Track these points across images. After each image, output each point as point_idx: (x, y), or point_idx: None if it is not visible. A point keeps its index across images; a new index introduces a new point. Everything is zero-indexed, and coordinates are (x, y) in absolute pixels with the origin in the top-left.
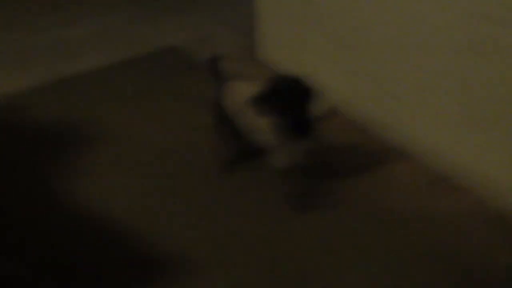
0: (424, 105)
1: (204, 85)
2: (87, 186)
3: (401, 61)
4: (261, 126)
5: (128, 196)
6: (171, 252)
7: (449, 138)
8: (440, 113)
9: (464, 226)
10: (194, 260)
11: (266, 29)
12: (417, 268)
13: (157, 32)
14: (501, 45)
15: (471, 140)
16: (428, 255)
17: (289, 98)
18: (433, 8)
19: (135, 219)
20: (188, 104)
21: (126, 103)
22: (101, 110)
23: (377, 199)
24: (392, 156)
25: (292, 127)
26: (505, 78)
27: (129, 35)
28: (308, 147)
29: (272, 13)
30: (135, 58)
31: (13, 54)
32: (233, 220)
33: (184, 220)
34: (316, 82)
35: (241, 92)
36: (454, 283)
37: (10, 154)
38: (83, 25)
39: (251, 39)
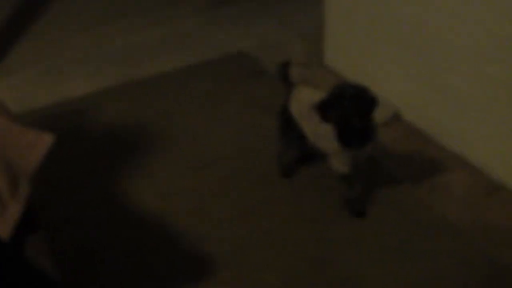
0: (486, 113)
1: (270, 91)
2: (149, 188)
3: (468, 70)
4: (324, 132)
5: (189, 199)
6: (229, 251)
7: (509, 146)
8: (503, 122)
9: None
10: (250, 259)
11: (334, 35)
12: (463, 277)
13: (227, 37)
14: None
15: None
16: (480, 267)
17: (352, 106)
18: (503, 18)
19: (194, 221)
20: (253, 109)
21: (193, 106)
22: (169, 114)
23: (433, 207)
24: (451, 164)
25: (353, 135)
26: None
27: (198, 41)
28: (368, 154)
29: (340, 20)
30: (203, 63)
31: (80, 61)
32: (289, 223)
33: (242, 222)
34: (381, 88)
35: (307, 98)
36: None
37: (78, 156)
38: (152, 31)
39: (319, 46)
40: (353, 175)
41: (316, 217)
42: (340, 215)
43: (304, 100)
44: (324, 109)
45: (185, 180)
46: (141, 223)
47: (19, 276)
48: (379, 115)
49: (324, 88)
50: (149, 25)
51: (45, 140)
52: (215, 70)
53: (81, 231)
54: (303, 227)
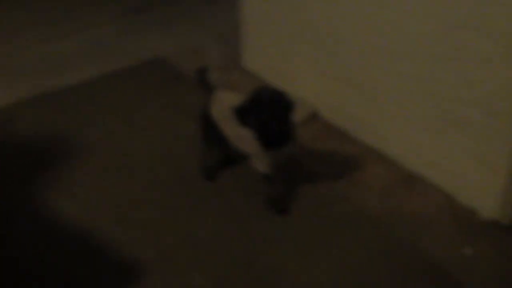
0: (400, 108)
1: (191, 96)
2: (71, 198)
3: (379, 66)
4: (245, 135)
5: (113, 207)
6: (155, 256)
7: (422, 139)
8: (414, 116)
9: (432, 222)
10: (176, 263)
11: (250, 38)
12: (385, 263)
13: (145, 44)
14: (474, 53)
15: (442, 140)
16: (396, 250)
17: (269, 111)
18: (412, 18)
19: (118, 228)
20: (175, 115)
21: (114, 115)
22: (88, 123)
23: (352, 200)
24: (369, 158)
25: (272, 137)
26: (475, 83)
27: (117, 48)
28: (288, 154)
29: (256, 23)
30: (123, 70)
31: (1, 69)
32: (214, 224)
33: (166, 226)
34: (298, 88)
35: (227, 102)
36: (420, 276)
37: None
38: (69, 39)
39: (237, 49)
40: (275, 175)
41: (240, 218)
42: (263, 214)
43: (224, 104)
44: (242, 115)
45: (107, 188)
46: (65, 234)
47: None
48: (297, 114)
49: (243, 91)
50: (66, 34)
51: None
52: (134, 77)
53: (3, 245)
54: (228, 228)
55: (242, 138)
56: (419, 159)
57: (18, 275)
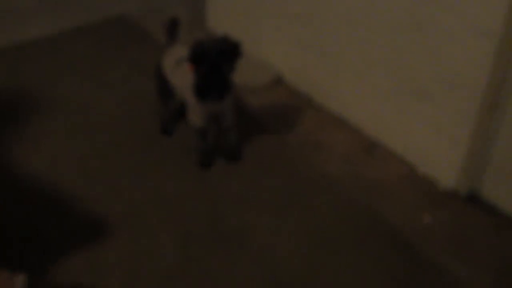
0: (363, 77)
1: (154, 54)
2: (33, 152)
3: (345, 35)
4: (185, 86)
5: (79, 162)
6: (123, 211)
7: (385, 109)
8: (377, 86)
9: (392, 189)
10: (144, 218)
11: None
12: (345, 226)
13: (108, 0)
14: (437, 26)
15: (404, 110)
16: (356, 214)
17: (207, 61)
18: None
19: (85, 184)
20: (140, 74)
21: (76, 71)
22: (51, 78)
23: (315, 164)
24: (332, 124)
25: (207, 88)
26: (437, 57)
27: (78, 4)
28: (222, 109)
29: None
30: (86, 27)
31: None
32: (179, 181)
33: (133, 182)
34: (264, 52)
35: (175, 55)
36: (379, 240)
37: None
38: None
39: (203, 9)
40: (207, 128)
41: (204, 175)
42: (230, 172)
43: (173, 56)
44: (196, 59)
45: (73, 145)
46: (30, 188)
47: None
48: (261, 78)
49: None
50: None
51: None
52: (98, 34)
53: None
54: (194, 185)
55: (185, 88)
56: (381, 128)
57: None
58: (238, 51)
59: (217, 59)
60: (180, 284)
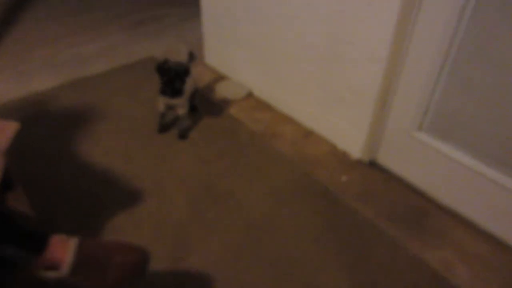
0: (303, 88)
1: None
2: (93, 146)
3: (289, 61)
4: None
5: (119, 152)
6: (150, 186)
7: (317, 108)
8: (312, 94)
9: (322, 161)
10: (164, 189)
11: (209, 43)
12: (293, 187)
13: (142, 48)
14: (346, 55)
15: (329, 109)
16: (300, 179)
17: (170, 73)
18: (303, 31)
19: (127, 167)
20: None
21: (122, 94)
22: (106, 99)
23: (273, 146)
24: (283, 120)
25: (165, 89)
26: (348, 74)
27: (123, 51)
28: (175, 102)
29: (212, 32)
30: (127, 65)
31: (46, 65)
32: (187, 164)
33: (157, 166)
34: (241, 75)
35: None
36: (313, 194)
37: (43, 131)
38: (92, 44)
39: (202, 50)
40: (164, 112)
41: (207, 160)
42: (223, 158)
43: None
44: (160, 72)
45: (118, 141)
46: (91, 170)
47: (4, 222)
48: (238, 93)
49: (202, 79)
50: (89, 40)
51: (13, 126)
52: (135, 69)
53: (48, 182)
54: (199, 166)
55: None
56: (315, 121)
57: (56, 200)
58: (187, 73)
59: (174, 76)
60: (189, 229)
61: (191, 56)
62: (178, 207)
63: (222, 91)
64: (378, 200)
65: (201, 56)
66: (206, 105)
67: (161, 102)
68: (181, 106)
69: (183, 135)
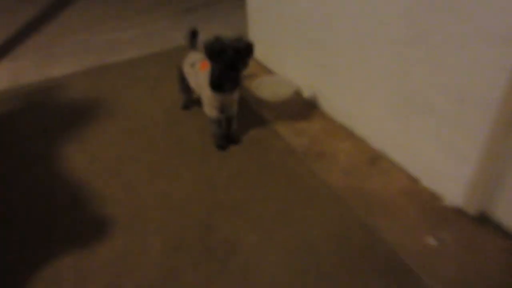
0: (368, 91)
1: None
2: (78, 152)
3: (351, 55)
4: (201, 83)
5: (107, 161)
6: (120, 214)
7: (389, 121)
8: (382, 99)
9: (393, 203)
10: (138, 224)
11: (254, 34)
12: (333, 245)
13: (182, 35)
14: (443, 35)
15: (408, 123)
16: (350, 231)
17: (228, 54)
18: (377, 6)
19: (103, 181)
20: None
21: (139, 86)
22: (118, 90)
23: (318, 174)
24: (338, 134)
25: (222, 81)
26: (443, 69)
27: (162, 37)
28: (231, 99)
29: (258, 22)
30: (157, 54)
31: (76, 50)
32: (190, 161)
33: (141, 187)
34: (287, 71)
35: (190, 59)
36: (371, 265)
37: (29, 126)
38: (130, 30)
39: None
40: (221, 118)
41: (213, 185)
42: (232, 183)
43: (189, 60)
44: (213, 55)
45: (112, 146)
46: (63, 185)
47: None
48: (282, 91)
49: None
50: (130, 26)
51: None
52: (163, 58)
53: (2, 194)
54: (200, 193)
55: (198, 87)
56: (385, 139)
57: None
58: (251, 50)
59: (233, 56)
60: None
61: (193, 33)
62: (150, 257)
63: (262, 87)
64: (491, 286)
65: None
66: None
67: (215, 104)
68: (235, 103)
69: (235, 139)
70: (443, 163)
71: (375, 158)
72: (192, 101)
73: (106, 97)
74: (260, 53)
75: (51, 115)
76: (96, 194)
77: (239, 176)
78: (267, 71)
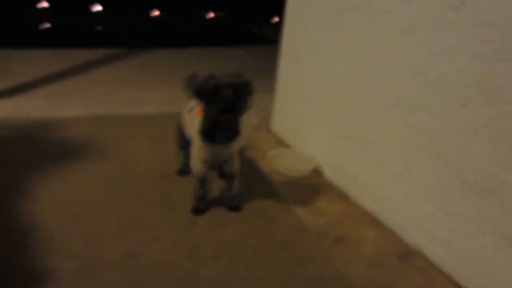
0: (405, 171)
1: None
2: (46, 191)
3: (388, 121)
4: (191, 131)
5: (72, 204)
6: (70, 271)
7: (430, 207)
8: (423, 178)
9: None
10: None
11: (278, 111)
12: None
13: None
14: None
15: (455, 210)
16: None
17: (220, 94)
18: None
19: (62, 228)
20: None
21: (138, 137)
22: (118, 138)
23: (335, 261)
24: (364, 221)
25: (216, 129)
26: (480, 150)
27: (176, 102)
28: (227, 153)
29: (283, 99)
30: (170, 114)
31: (90, 100)
32: (171, 219)
33: (102, 242)
34: (309, 148)
35: (189, 105)
36: None
37: (23, 154)
38: (155, 93)
39: (269, 117)
40: (206, 176)
41: (194, 251)
42: (220, 255)
43: (188, 106)
44: (204, 95)
45: (88, 189)
46: (20, 220)
47: None
48: (301, 167)
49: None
50: (148, 90)
51: None
52: (173, 120)
53: None
54: (174, 257)
55: (191, 134)
56: (422, 231)
57: None
58: (250, 89)
59: (232, 96)
60: None
61: (193, 78)
62: None
63: (278, 160)
64: None
65: (268, 123)
66: (250, 173)
67: (203, 156)
68: (233, 158)
69: (238, 206)
70: (502, 264)
71: (408, 254)
72: (189, 167)
73: (103, 142)
74: (279, 129)
75: (36, 149)
76: (48, 242)
77: (231, 249)
78: (283, 145)
